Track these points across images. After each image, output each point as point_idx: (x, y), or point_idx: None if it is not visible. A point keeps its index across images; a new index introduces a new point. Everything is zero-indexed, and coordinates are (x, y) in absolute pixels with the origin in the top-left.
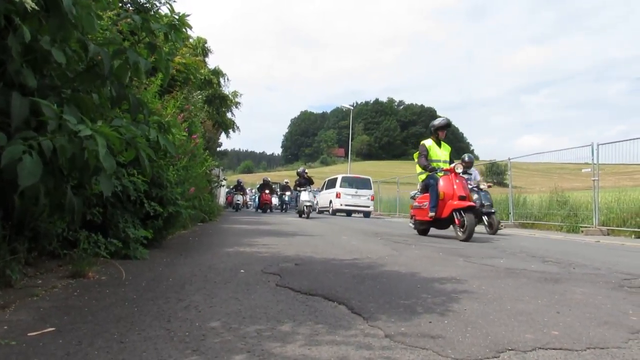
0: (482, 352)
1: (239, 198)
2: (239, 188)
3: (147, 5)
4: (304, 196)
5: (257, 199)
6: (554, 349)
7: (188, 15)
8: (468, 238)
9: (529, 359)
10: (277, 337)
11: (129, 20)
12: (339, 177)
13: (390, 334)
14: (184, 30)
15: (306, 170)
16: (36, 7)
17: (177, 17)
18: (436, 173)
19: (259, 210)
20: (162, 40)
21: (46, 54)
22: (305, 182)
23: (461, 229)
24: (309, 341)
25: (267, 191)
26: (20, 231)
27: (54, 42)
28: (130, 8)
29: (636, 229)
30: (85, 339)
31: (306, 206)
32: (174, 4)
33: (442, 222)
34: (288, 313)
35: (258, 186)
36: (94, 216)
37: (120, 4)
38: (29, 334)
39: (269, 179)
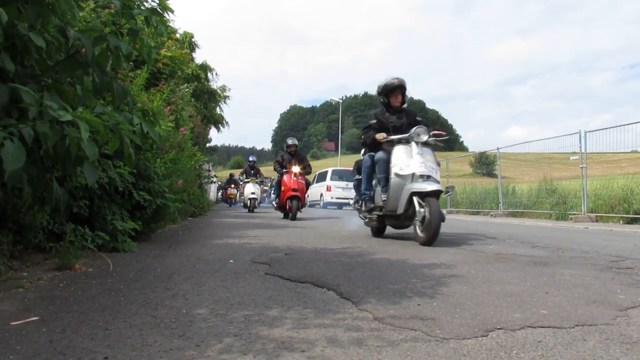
0: (471, 332)
1: (253, 190)
2: (251, 173)
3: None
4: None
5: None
6: (542, 327)
7: None
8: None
9: (517, 337)
10: (265, 321)
11: (111, 10)
12: (330, 170)
13: (379, 316)
14: (166, 15)
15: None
16: None
17: (157, 1)
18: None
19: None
20: (144, 27)
21: (25, 40)
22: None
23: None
24: (297, 324)
25: (296, 169)
26: (3, 224)
27: (32, 28)
28: None
29: (624, 215)
30: (69, 327)
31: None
32: None
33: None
34: (276, 299)
35: (277, 159)
36: (81, 209)
37: None
38: (11, 323)
39: (296, 141)
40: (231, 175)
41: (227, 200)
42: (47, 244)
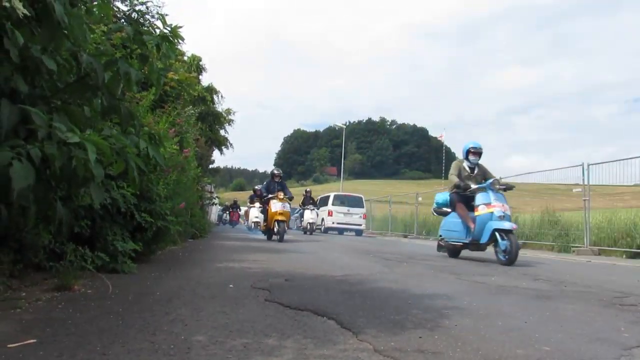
0: None
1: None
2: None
3: (141, 19)
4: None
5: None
6: None
7: (180, 27)
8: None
9: None
10: (264, 350)
11: (122, 33)
12: (332, 195)
13: (379, 348)
14: (176, 42)
15: None
16: (27, 13)
17: (169, 28)
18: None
19: None
20: (154, 53)
21: (37, 62)
22: None
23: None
24: (297, 355)
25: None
26: (5, 242)
27: (44, 51)
28: (124, 22)
29: (627, 249)
30: (66, 350)
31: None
32: (165, 17)
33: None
34: (276, 327)
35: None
36: (82, 229)
37: (115, 20)
38: (8, 346)
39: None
40: (255, 191)
41: (256, 226)
42: (48, 264)
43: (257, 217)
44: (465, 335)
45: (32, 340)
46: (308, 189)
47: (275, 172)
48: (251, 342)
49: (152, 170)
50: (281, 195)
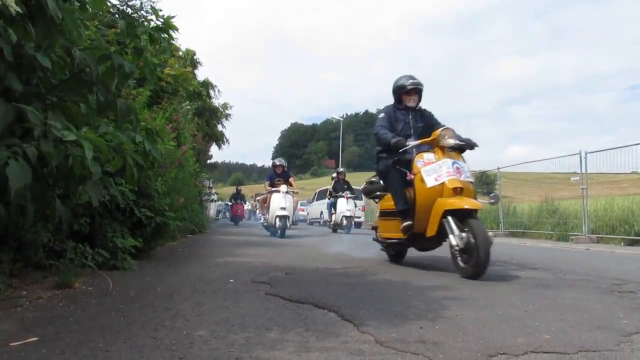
0: (474, 356)
1: None
2: None
3: (135, 14)
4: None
5: None
6: (546, 352)
7: (173, 17)
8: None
9: None
10: (266, 344)
11: (117, 29)
12: (330, 188)
13: (381, 340)
14: (170, 32)
15: None
16: (20, 10)
17: (162, 19)
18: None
19: None
20: (149, 47)
21: (31, 59)
22: None
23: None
24: (299, 348)
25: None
26: (4, 241)
27: (38, 48)
28: (118, 17)
29: (625, 237)
30: (68, 348)
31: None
32: (158, 12)
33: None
34: (277, 321)
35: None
36: (81, 226)
37: (108, 15)
38: (10, 344)
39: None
40: (275, 168)
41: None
42: (47, 262)
43: (283, 208)
44: (466, 325)
45: (34, 339)
46: (340, 170)
47: (408, 85)
48: (253, 335)
49: (150, 166)
50: (450, 138)
